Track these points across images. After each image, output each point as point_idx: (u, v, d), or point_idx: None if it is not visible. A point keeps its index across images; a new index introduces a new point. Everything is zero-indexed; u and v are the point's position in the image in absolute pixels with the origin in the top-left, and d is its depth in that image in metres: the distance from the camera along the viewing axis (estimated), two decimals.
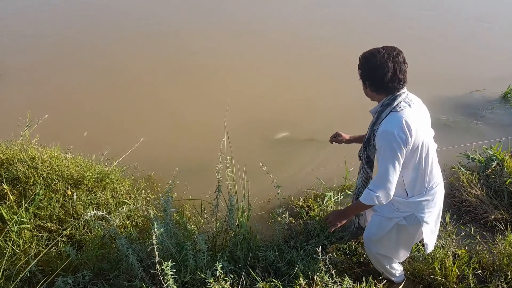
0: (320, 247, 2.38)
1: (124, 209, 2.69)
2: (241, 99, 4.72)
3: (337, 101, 4.61)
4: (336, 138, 2.57)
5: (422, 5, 7.38)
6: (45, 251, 2.48)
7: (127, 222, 2.90)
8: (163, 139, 4.05)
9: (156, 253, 2.05)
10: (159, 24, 6.71)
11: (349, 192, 3.21)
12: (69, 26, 6.71)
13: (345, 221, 2.18)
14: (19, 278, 2.18)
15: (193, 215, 3.01)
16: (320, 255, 2.17)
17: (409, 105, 1.87)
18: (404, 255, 2.37)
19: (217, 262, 2.23)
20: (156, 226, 2.21)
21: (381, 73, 1.83)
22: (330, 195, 3.15)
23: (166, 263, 2.10)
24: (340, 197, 3.18)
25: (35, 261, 2.29)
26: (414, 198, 2.03)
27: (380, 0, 7.68)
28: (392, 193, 1.89)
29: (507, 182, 3.08)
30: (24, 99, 4.72)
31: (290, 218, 2.96)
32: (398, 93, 1.88)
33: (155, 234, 2.11)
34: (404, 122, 1.80)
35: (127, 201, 3.07)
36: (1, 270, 2.17)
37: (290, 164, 3.69)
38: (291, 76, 5.21)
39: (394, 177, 1.87)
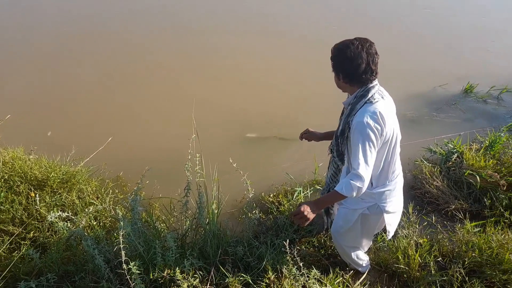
0: (288, 240, 2.43)
1: (90, 210, 2.64)
2: (212, 96, 4.71)
3: (310, 99, 4.69)
4: (306, 135, 2.59)
5: (425, 5, 7.58)
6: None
7: (94, 223, 2.84)
8: (133, 138, 3.98)
9: (123, 252, 2.03)
10: (126, 22, 6.58)
11: (318, 187, 3.28)
12: (35, 26, 6.46)
13: (315, 214, 2.09)
14: None
15: (163, 213, 2.99)
16: (288, 249, 2.22)
17: (382, 97, 1.93)
18: (367, 244, 2.45)
19: (185, 259, 2.23)
20: (122, 225, 2.20)
21: (355, 65, 1.84)
22: (300, 190, 3.21)
23: (133, 262, 2.08)
24: (310, 191, 3.24)
25: None
26: (378, 188, 2.10)
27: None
28: (367, 183, 1.90)
29: (466, 174, 3.24)
30: None
31: (260, 214, 2.97)
32: (371, 84, 1.91)
33: (121, 234, 2.09)
34: (379, 113, 1.85)
35: (95, 202, 3.01)
36: None
37: (262, 161, 3.73)
38: (265, 74, 5.25)
39: (371, 167, 1.89)
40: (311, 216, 1.97)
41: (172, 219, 2.85)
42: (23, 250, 2.53)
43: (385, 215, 2.15)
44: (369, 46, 1.86)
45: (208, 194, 2.70)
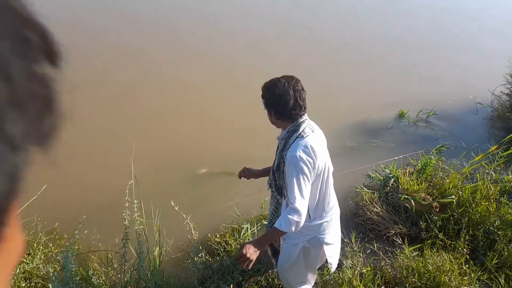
0: (234, 284, 2.38)
1: (17, 271, 2.41)
2: (152, 137, 4.61)
3: (253, 133, 4.75)
4: (244, 173, 2.63)
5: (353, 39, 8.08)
6: None
7: (23, 285, 2.59)
8: (68, 184, 3.75)
9: None
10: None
11: (265, 222, 3.29)
12: None
13: (258, 253, 2.06)
14: None
15: (103, 266, 2.81)
16: None
17: (313, 131, 2.02)
18: (312, 277, 2.48)
19: None
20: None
21: (284, 101, 1.94)
22: (247, 227, 3.19)
23: None
24: (257, 228, 3.24)
25: None
26: (316, 221, 2.15)
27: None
28: (305, 216, 1.95)
29: (401, 198, 3.42)
30: None
31: (207, 257, 2.92)
32: (302, 119, 2.01)
33: None
34: (310, 147, 1.94)
35: (25, 260, 2.77)
36: None
37: (208, 200, 3.67)
38: (213, 108, 5.26)
39: (307, 200, 1.95)
40: (254, 256, 1.96)
41: (112, 271, 2.69)
42: None
43: (325, 247, 2.20)
44: (295, 83, 1.98)
45: (151, 241, 2.60)
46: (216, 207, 3.49)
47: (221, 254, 2.98)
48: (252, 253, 1.94)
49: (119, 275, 2.63)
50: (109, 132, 4.64)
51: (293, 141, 1.99)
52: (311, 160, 1.94)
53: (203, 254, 2.71)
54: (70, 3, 7.67)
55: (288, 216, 1.90)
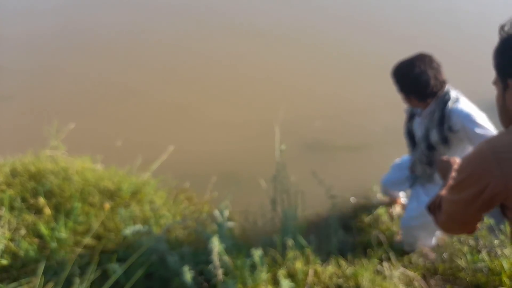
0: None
1: (173, 222, 2.68)
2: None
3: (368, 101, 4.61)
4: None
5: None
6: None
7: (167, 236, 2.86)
8: (196, 146, 3.99)
9: (220, 270, 2.04)
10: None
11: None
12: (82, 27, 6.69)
13: None
14: None
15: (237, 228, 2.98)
16: (388, 269, 2.17)
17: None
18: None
19: (281, 279, 2.22)
20: (215, 242, 2.20)
21: (424, 83, 1.95)
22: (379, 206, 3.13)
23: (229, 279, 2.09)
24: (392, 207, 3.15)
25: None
26: None
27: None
28: None
29: None
30: (41, 113, 4.59)
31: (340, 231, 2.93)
32: (445, 89, 2.02)
33: (216, 252, 2.11)
34: (472, 105, 2.00)
35: (166, 214, 3.05)
36: None
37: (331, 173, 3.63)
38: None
39: None
40: None
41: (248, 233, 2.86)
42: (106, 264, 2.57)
43: None
44: (429, 61, 1.97)
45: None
46: (349, 179, 3.45)
47: (355, 230, 2.97)
48: None
49: (256, 237, 2.78)
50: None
51: (452, 108, 1.98)
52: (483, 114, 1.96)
53: (338, 227, 2.72)
54: None
55: None
